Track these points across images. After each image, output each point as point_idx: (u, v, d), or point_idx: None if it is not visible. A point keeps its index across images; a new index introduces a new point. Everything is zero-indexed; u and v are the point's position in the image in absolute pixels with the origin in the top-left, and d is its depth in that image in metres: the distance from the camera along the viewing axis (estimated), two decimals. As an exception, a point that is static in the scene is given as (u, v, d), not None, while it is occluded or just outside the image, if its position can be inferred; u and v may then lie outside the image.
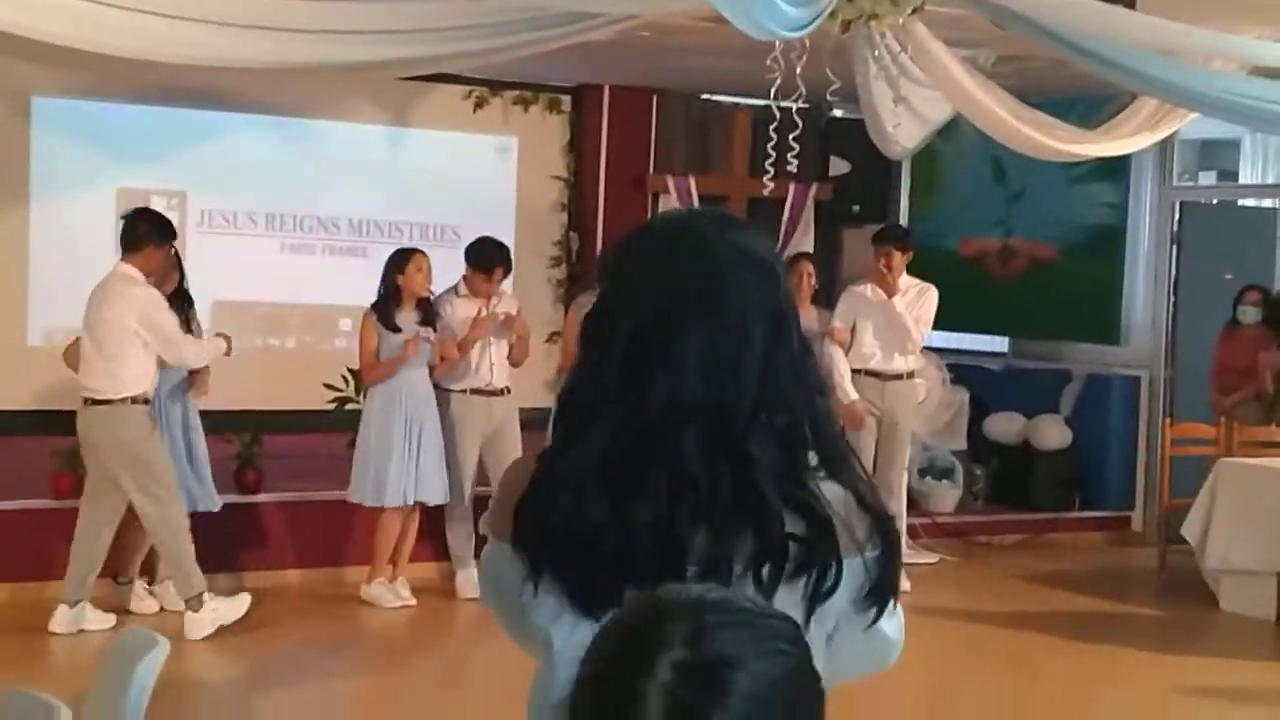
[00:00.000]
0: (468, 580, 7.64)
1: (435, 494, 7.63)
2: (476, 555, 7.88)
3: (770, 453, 1.83)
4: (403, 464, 7.51)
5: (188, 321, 7.03)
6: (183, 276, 7.13)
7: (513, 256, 8.00)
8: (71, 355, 6.93)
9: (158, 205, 9.38)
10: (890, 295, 8.46)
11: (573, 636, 1.85)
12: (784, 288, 1.94)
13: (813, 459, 1.88)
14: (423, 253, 7.74)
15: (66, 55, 5.71)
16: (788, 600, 1.80)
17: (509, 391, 7.99)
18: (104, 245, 8.57)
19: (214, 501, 7.22)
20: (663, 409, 1.83)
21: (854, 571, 1.85)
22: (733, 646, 1.25)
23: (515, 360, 7.99)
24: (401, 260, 7.60)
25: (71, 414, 6.80)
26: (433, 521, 7.89)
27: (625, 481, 1.82)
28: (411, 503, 7.58)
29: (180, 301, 7.03)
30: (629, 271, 1.95)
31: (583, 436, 1.86)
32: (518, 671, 1.50)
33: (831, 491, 1.85)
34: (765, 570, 1.80)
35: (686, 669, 1.22)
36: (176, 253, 7.14)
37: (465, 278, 7.88)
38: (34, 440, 7.82)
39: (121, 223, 6.97)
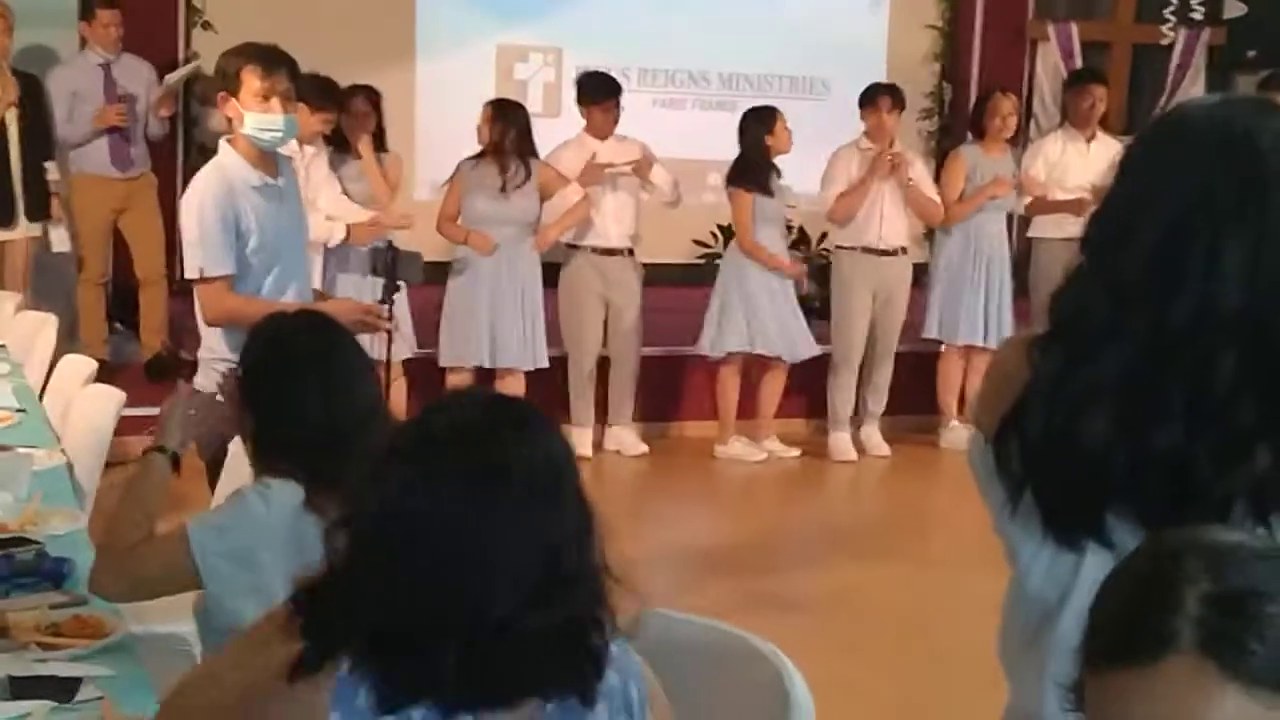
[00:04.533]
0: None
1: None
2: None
3: None
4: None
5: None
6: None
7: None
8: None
9: (534, 62, 9.64)
10: None
11: (1037, 558, 1.79)
12: None
13: None
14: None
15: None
16: None
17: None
18: (484, 100, 8.82)
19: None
20: (1191, 323, 1.66)
21: None
22: (1259, 580, 1.18)
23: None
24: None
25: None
26: (802, 376, 7.91)
27: (1143, 403, 1.68)
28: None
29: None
30: (1149, 170, 1.76)
31: (1096, 351, 1.71)
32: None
33: None
34: (1271, 499, 1.65)
35: (1215, 599, 1.16)
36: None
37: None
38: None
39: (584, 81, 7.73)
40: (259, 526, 2.73)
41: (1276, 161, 1.69)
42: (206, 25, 8.84)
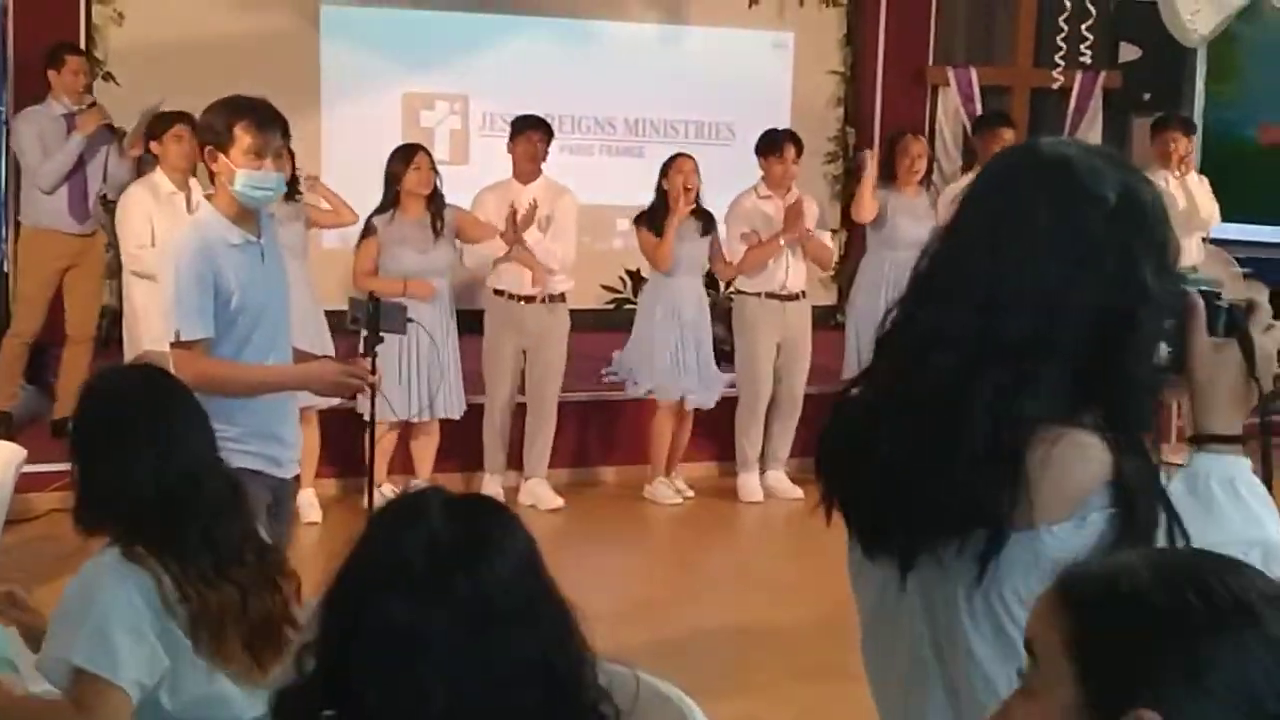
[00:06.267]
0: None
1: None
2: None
3: (1000, 393, 1.64)
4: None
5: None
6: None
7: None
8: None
9: (441, 110, 9.63)
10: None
11: (850, 562, 1.88)
12: (1127, 221, 1.69)
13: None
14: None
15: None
16: (960, 560, 1.68)
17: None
18: (392, 149, 8.82)
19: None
20: (921, 339, 1.73)
21: (1027, 547, 1.64)
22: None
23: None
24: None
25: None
26: (707, 421, 7.93)
27: (875, 417, 1.76)
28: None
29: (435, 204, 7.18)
30: (964, 200, 1.83)
31: (870, 370, 1.83)
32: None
33: (1052, 436, 1.64)
34: (918, 523, 1.69)
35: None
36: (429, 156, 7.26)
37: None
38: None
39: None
40: (117, 602, 2.67)
41: (1036, 188, 1.72)
42: (108, 77, 8.77)
